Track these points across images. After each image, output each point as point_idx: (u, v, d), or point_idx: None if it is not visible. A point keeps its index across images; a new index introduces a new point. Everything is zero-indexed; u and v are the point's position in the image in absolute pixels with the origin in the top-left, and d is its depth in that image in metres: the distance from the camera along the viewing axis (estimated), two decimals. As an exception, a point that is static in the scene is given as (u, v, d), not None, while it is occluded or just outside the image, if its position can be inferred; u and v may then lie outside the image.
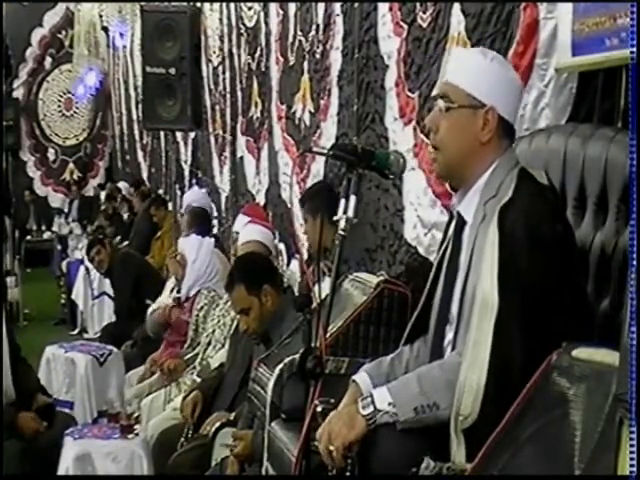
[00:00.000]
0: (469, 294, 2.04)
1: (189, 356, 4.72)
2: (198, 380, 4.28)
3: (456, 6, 3.11)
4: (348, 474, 2.00)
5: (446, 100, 2.11)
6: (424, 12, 3.39)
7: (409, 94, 3.55)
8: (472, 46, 2.98)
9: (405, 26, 3.56)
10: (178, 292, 5.21)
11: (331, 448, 2.00)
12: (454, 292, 2.12)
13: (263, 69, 5.87)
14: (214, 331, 4.55)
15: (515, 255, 1.95)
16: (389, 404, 1.97)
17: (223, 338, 4.43)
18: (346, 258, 3.97)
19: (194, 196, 6.85)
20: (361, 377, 2.19)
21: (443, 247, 2.25)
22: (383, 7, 3.77)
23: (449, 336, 2.13)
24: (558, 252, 1.98)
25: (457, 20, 3.11)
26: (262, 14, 5.82)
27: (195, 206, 6.48)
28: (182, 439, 4.00)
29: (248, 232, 4.49)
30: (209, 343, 4.57)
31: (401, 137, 3.62)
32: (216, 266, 5.05)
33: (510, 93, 2.14)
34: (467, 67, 2.13)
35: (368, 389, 2.12)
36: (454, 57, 2.19)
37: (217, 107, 7.31)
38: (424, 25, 3.39)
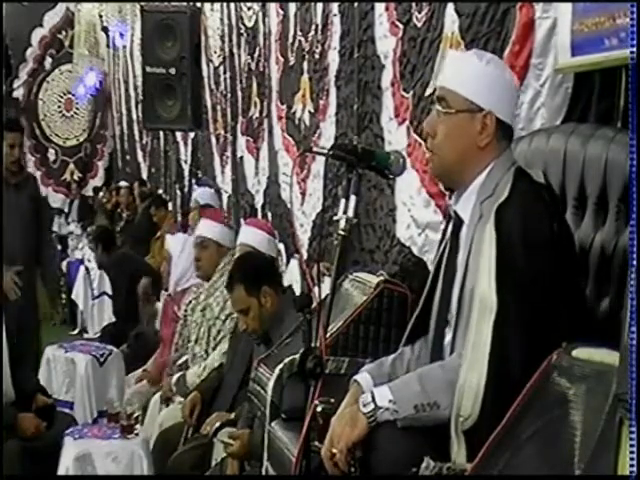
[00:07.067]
0: (467, 295, 2.04)
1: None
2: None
3: (450, 6, 3.11)
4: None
5: (444, 105, 2.11)
6: (419, 12, 3.38)
7: (404, 94, 3.54)
8: (465, 46, 2.98)
9: (401, 26, 3.56)
10: (166, 290, 5.22)
11: (334, 451, 1.99)
12: (452, 293, 2.12)
13: (262, 69, 5.86)
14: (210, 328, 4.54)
15: (512, 255, 1.95)
16: (389, 401, 1.97)
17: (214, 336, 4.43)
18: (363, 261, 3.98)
19: (204, 195, 6.82)
20: (363, 377, 2.19)
21: (441, 247, 2.25)
22: (380, 7, 3.77)
23: (448, 337, 2.13)
24: (555, 251, 1.98)
25: (451, 20, 3.10)
26: (261, 14, 5.81)
27: (205, 204, 6.44)
28: (182, 439, 4.00)
29: (244, 234, 4.49)
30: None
31: (395, 137, 3.62)
32: None
33: (507, 95, 2.14)
34: (464, 71, 2.13)
35: (370, 389, 2.11)
36: (450, 61, 2.18)
37: (218, 107, 7.30)
38: (419, 25, 3.39)
